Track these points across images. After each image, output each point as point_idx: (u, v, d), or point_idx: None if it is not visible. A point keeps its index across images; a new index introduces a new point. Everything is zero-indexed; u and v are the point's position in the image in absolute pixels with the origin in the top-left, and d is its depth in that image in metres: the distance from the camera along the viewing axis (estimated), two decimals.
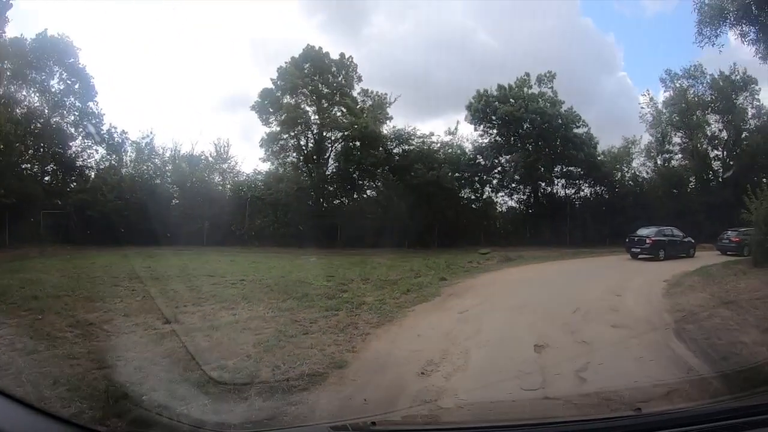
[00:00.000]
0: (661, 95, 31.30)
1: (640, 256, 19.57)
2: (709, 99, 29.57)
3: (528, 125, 28.59)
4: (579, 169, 28.96)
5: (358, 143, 28.46)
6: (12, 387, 4.37)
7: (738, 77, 28.77)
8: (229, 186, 29.52)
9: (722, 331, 7.08)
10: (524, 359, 5.94)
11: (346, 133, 28.43)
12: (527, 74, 29.16)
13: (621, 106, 38.08)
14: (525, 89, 29.02)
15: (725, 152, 29.90)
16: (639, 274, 14.54)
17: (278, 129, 29.16)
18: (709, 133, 30.19)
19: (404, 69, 34.65)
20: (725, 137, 29.85)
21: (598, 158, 29.08)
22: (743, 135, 29.34)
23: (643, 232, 20.31)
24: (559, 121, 28.05)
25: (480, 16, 39.18)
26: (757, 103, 29.08)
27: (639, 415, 2.75)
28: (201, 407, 4.28)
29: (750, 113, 29.43)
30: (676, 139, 30.63)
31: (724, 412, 2.67)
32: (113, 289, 10.60)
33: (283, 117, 28.45)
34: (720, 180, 29.48)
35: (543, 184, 30.51)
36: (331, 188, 29.87)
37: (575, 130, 28.57)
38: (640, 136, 30.89)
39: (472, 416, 4.13)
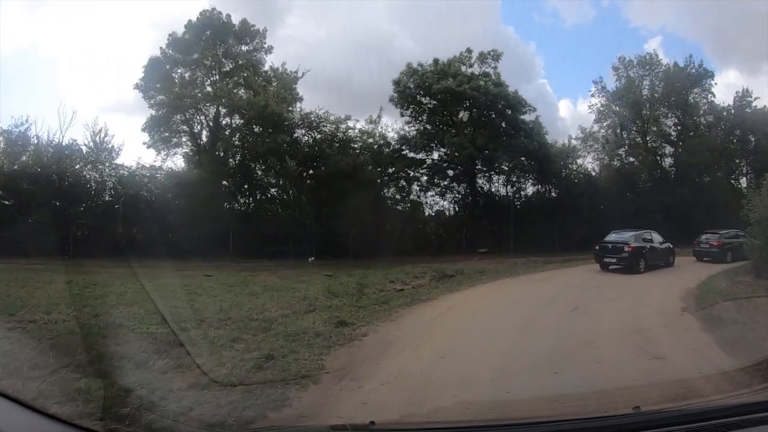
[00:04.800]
0: (612, 83, 27.97)
1: (612, 267, 15.30)
2: (661, 92, 26.76)
3: (468, 108, 23.99)
4: (531, 161, 24.43)
5: (257, 128, 22.92)
6: None
7: (693, 70, 26.25)
8: (109, 184, 23.28)
9: None
10: None
11: (245, 113, 22.76)
12: (469, 50, 24.43)
13: (540, 112, 37.59)
14: (465, 67, 24.30)
15: (677, 149, 27.27)
16: (636, 300, 10.69)
17: (165, 111, 23.60)
18: (658, 128, 27.48)
19: (323, 72, 31.36)
20: (676, 133, 27.40)
21: (551, 149, 24.91)
22: (696, 131, 27.07)
23: (614, 237, 16.04)
24: (503, 104, 23.49)
25: (402, 20, 37.99)
26: (712, 98, 26.92)
27: (637, 413, 2.59)
28: None
29: (702, 109, 27.11)
30: (626, 134, 27.69)
31: (721, 409, 2.58)
32: None
33: (176, 91, 23.00)
34: (673, 178, 26.78)
35: (481, 182, 26.04)
36: (227, 184, 23.75)
37: (521, 117, 24.12)
38: (598, 129, 27.63)
39: (471, 415, 3.97)
